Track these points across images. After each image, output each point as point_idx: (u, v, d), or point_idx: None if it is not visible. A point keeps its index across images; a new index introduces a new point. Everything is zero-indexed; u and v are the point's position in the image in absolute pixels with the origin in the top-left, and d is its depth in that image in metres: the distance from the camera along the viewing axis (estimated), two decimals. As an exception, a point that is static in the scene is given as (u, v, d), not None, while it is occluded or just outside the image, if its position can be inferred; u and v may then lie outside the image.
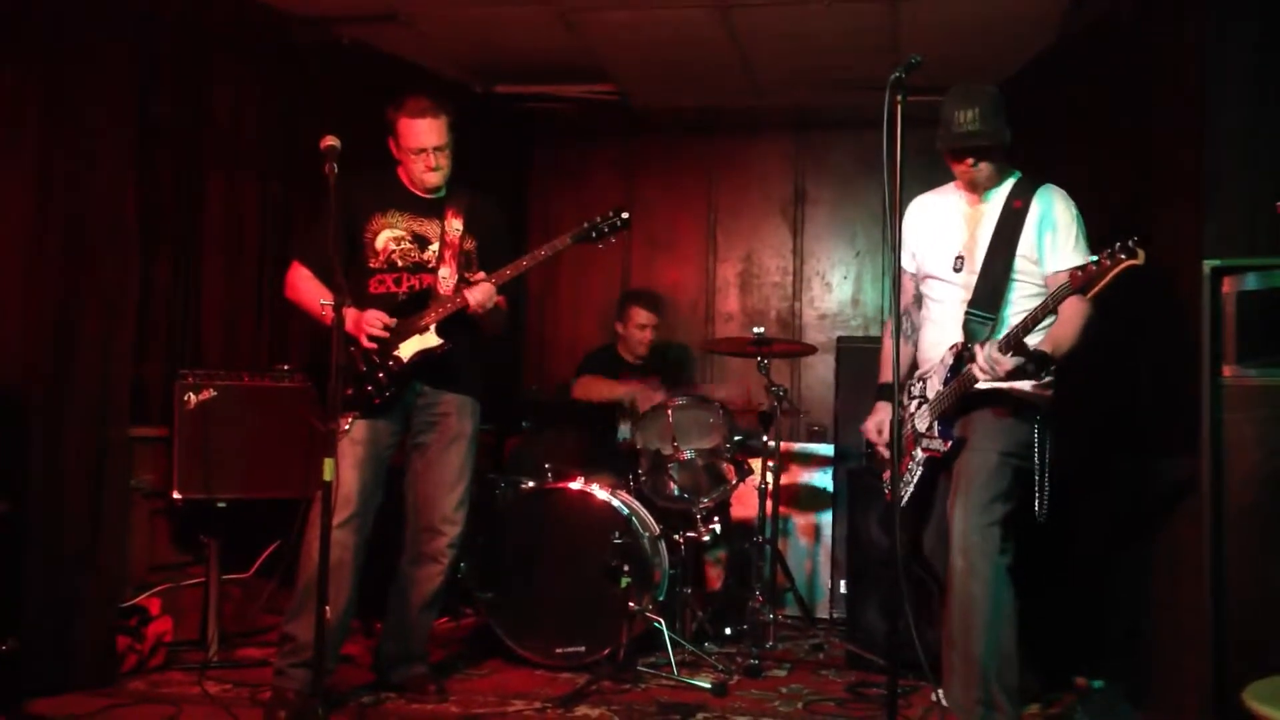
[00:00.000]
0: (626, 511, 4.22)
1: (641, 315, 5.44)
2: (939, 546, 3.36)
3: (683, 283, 6.34)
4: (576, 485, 4.28)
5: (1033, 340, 3.04)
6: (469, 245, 3.73)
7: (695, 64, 5.48)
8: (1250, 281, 2.97)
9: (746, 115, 6.23)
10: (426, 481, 3.74)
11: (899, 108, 2.78)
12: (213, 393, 4.17)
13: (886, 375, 3.53)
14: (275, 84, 4.83)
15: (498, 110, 6.08)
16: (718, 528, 4.58)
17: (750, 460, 4.68)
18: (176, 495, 4.12)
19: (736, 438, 4.62)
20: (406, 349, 3.59)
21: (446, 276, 3.65)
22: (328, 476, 3.02)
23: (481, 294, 3.57)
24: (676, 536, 4.46)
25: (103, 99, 3.80)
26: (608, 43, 5.23)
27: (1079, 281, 2.81)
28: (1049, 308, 2.96)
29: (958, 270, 3.33)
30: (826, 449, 5.43)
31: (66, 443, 3.67)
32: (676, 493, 4.55)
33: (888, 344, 3.56)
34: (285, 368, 4.43)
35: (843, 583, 4.94)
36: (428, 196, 3.73)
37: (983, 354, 3.05)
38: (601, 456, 4.90)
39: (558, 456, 4.65)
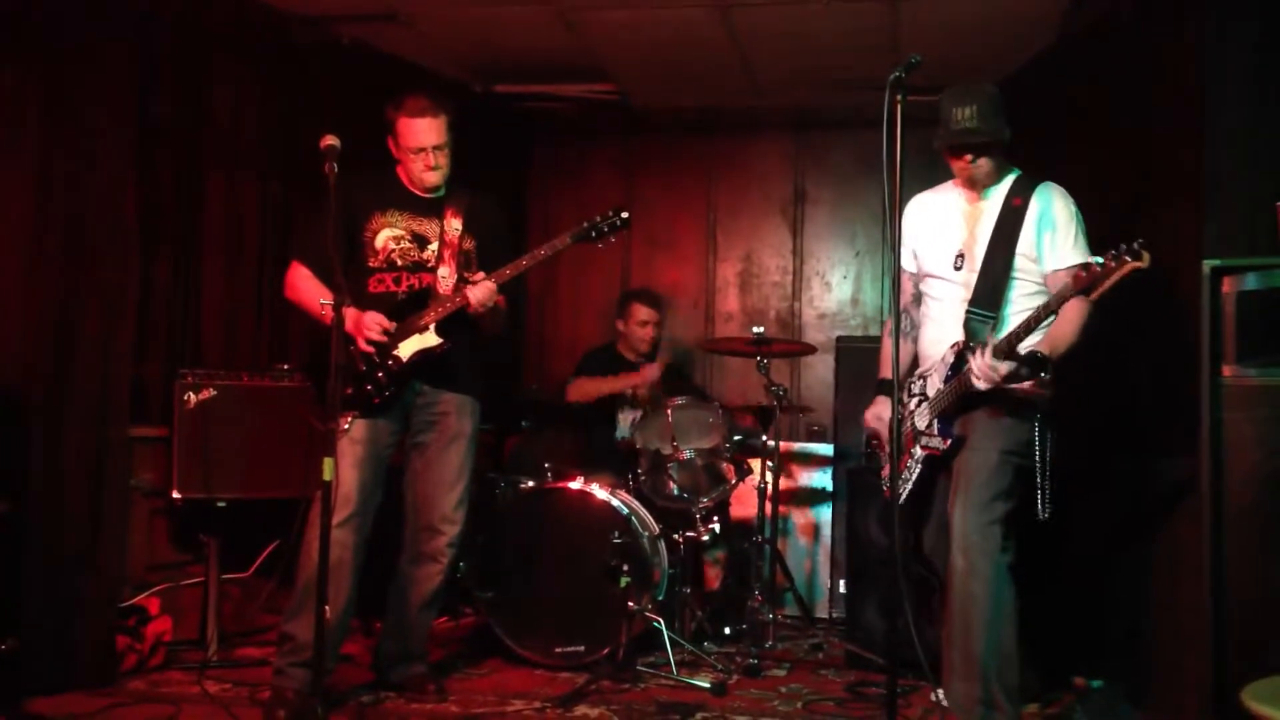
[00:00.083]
0: (626, 511, 4.22)
1: (643, 312, 5.44)
2: (939, 545, 3.36)
3: (682, 282, 6.34)
4: (576, 485, 4.29)
5: (1032, 339, 3.04)
6: (468, 245, 3.73)
7: (695, 64, 5.48)
8: (1250, 281, 2.98)
9: (746, 115, 6.23)
10: (426, 481, 3.74)
11: (899, 107, 2.78)
12: (212, 392, 4.17)
13: (886, 372, 3.54)
14: (275, 84, 4.83)
15: (497, 110, 6.08)
16: (717, 527, 4.58)
17: (749, 460, 4.68)
18: (176, 495, 4.12)
19: (736, 437, 4.62)
20: (406, 348, 3.59)
21: (446, 276, 3.65)
22: (327, 476, 3.02)
23: (481, 293, 3.57)
24: (676, 536, 4.46)
25: (103, 99, 3.80)
26: (607, 42, 5.23)
27: (1082, 283, 2.81)
28: (1051, 309, 2.96)
29: (958, 268, 3.33)
30: (826, 449, 5.44)
31: (66, 442, 3.67)
32: (676, 492, 4.55)
33: (887, 342, 3.56)
34: (285, 367, 4.43)
35: (842, 582, 4.94)
36: (427, 196, 3.73)
37: (977, 362, 3.05)
38: (601, 456, 4.91)
39: (557, 456, 4.65)
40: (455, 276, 3.66)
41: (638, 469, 4.59)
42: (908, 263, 3.51)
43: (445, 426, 3.73)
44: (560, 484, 4.32)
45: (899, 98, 2.79)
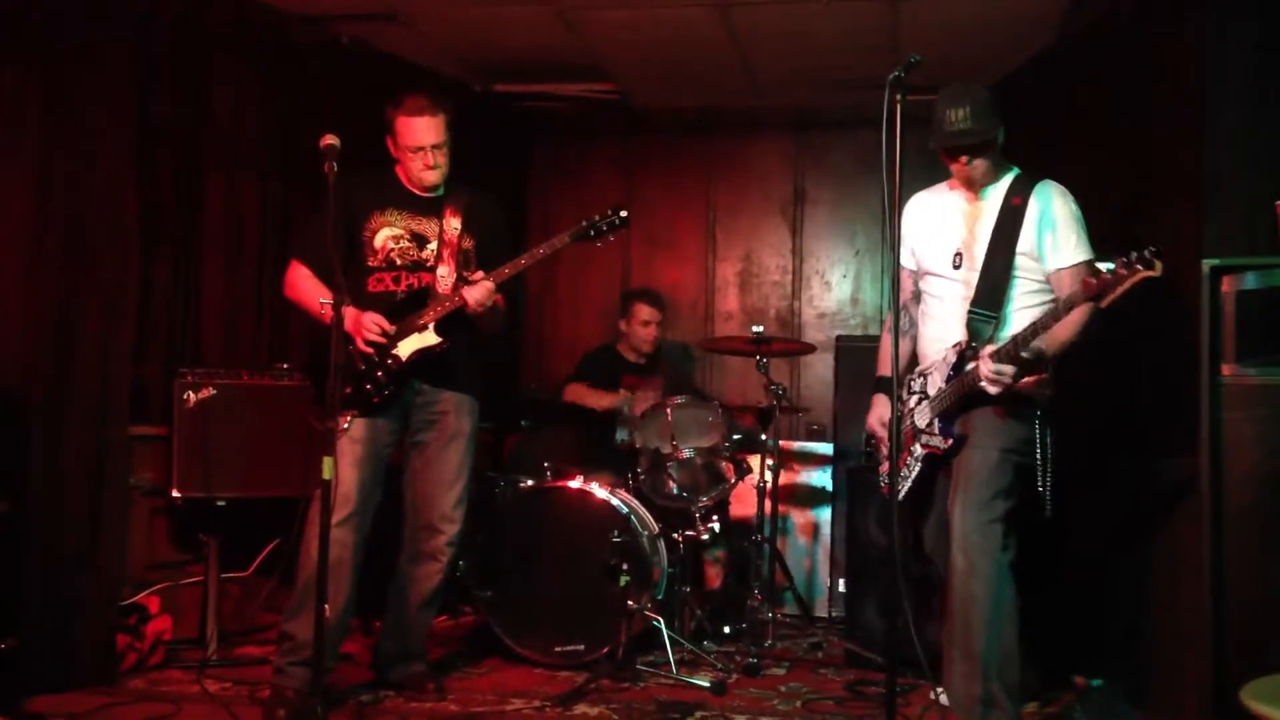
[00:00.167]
0: (625, 510, 4.23)
1: (645, 311, 5.45)
2: (939, 543, 3.36)
3: (682, 282, 6.34)
4: (575, 484, 4.29)
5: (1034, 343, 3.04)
6: (467, 244, 3.73)
7: (695, 63, 5.48)
8: (1249, 281, 2.98)
9: (746, 115, 6.23)
10: (425, 480, 3.74)
11: (898, 107, 2.78)
12: (212, 391, 4.17)
13: (885, 370, 3.54)
14: (275, 84, 4.83)
15: (497, 109, 6.08)
16: (716, 526, 4.58)
17: (749, 459, 4.68)
18: (176, 494, 4.12)
19: (735, 436, 4.62)
20: (405, 347, 3.59)
21: (445, 275, 3.65)
22: (327, 475, 3.02)
23: (480, 293, 3.57)
24: (675, 535, 4.46)
25: (103, 99, 3.80)
26: (607, 42, 5.23)
27: (1093, 290, 2.80)
28: (1059, 315, 2.96)
29: (957, 267, 3.33)
30: (825, 448, 5.44)
31: (66, 442, 3.67)
32: (675, 491, 4.56)
33: (886, 340, 3.56)
34: (284, 366, 4.44)
35: (841, 581, 4.94)
36: (426, 195, 3.73)
37: (985, 369, 3.05)
38: (600, 455, 4.90)
39: (557, 455, 4.65)
40: (454, 276, 3.66)
41: (637, 468, 4.60)
42: (907, 260, 3.51)
43: (444, 425, 3.73)
44: (560, 483, 4.33)
45: (898, 97, 2.79)
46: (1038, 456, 3.19)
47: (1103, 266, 2.79)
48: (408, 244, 3.68)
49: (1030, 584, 3.22)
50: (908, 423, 3.39)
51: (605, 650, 4.01)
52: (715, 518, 4.61)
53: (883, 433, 3.50)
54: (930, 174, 3.45)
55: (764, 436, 4.72)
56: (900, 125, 2.78)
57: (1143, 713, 3.51)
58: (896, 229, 3.11)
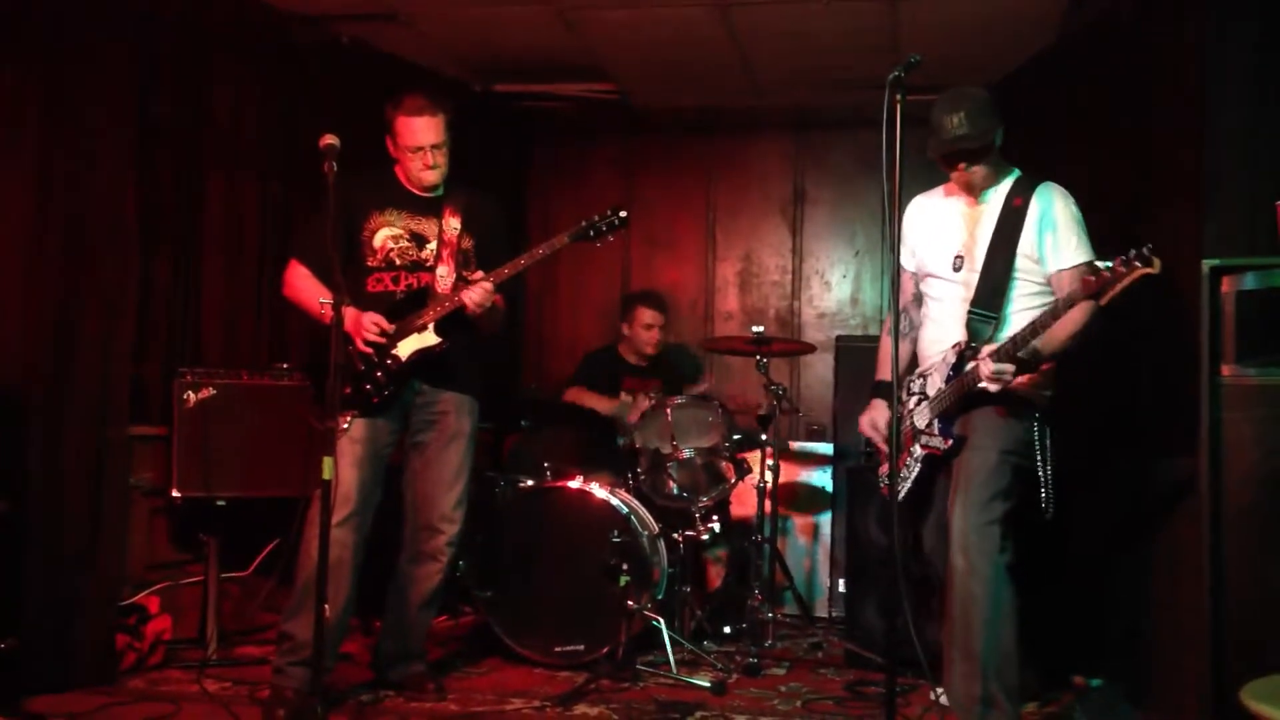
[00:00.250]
0: (625, 510, 4.23)
1: (648, 315, 5.45)
2: (939, 544, 3.36)
3: (682, 282, 6.34)
4: (575, 484, 4.29)
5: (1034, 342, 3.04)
6: (467, 244, 3.73)
7: (695, 63, 5.48)
8: (1249, 281, 2.97)
9: (746, 115, 6.23)
10: (425, 480, 3.74)
11: (898, 107, 2.79)
12: (212, 391, 4.17)
13: (883, 373, 3.54)
14: (275, 84, 4.83)
15: (497, 109, 6.08)
16: (717, 526, 4.58)
17: (749, 458, 4.68)
18: (176, 493, 4.12)
19: (735, 436, 4.62)
20: (405, 348, 3.59)
21: (444, 275, 3.65)
22: (327, 475, 3.02)
23: (479, 294, 3.57)
24: (675, 535, 4.46)
25: (103, 99, 3.80)
26: (607, 42, 5.23)
27: (1092, 288, 2.81)
28: (1059, 314, 2.96)
29: (957, 269, 3.33)
30: (826, 448, 5.44)
31: (66, 442, 3.67)
32: (675, 491, 4.56)
33: (886, 342, 3.56)
34: (284, 366, 4.44)
35: (841, 581, 4.94)
36: (426, 195, 3.73)
37: (986, 370, 3.05)
38: (600, 455, 4.90)
39: (556, 455, 4.65)
40: (454, 275, 3.66)
41: (637, 468, 4.60)
42: (907, 262, 3.51)
43: (444, 426, 3.73)
44: (559, 483, 4.33)
45: (898, 97, 2.79)
46: (1037, 458, 3.19)
47: (1101, 265, 2.80)
48: (407, 244, 3.68)
49: (1030, 584, 3.22)
50: (907, 424, 3.39)
51: (605, 650, 4.01)
52: (715, 518, 4.61)
53: (872, 434, 3.50)
54: (930, 174, 3.45)
55: (764, 436, 4.72)
56: (900, 125, 2.78)
57: (1142, 713, 3.51)
58: (896, 230, 3.11)
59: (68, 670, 3.63)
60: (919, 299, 3.52)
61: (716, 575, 5.19)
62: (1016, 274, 3.25)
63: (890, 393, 3.01)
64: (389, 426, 3.67)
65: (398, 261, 3.66)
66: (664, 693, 3.83)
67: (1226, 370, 2.99)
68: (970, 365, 3.16)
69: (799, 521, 5.46)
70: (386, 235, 3.67)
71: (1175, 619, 3.38)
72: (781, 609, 5.02)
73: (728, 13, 4.76)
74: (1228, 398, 2.98)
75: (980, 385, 3.10)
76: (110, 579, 3.82)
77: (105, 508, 3.77)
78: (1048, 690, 3.79)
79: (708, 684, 3.89)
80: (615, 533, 4.05)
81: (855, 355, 4.92)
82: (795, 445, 5.58)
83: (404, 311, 3.60)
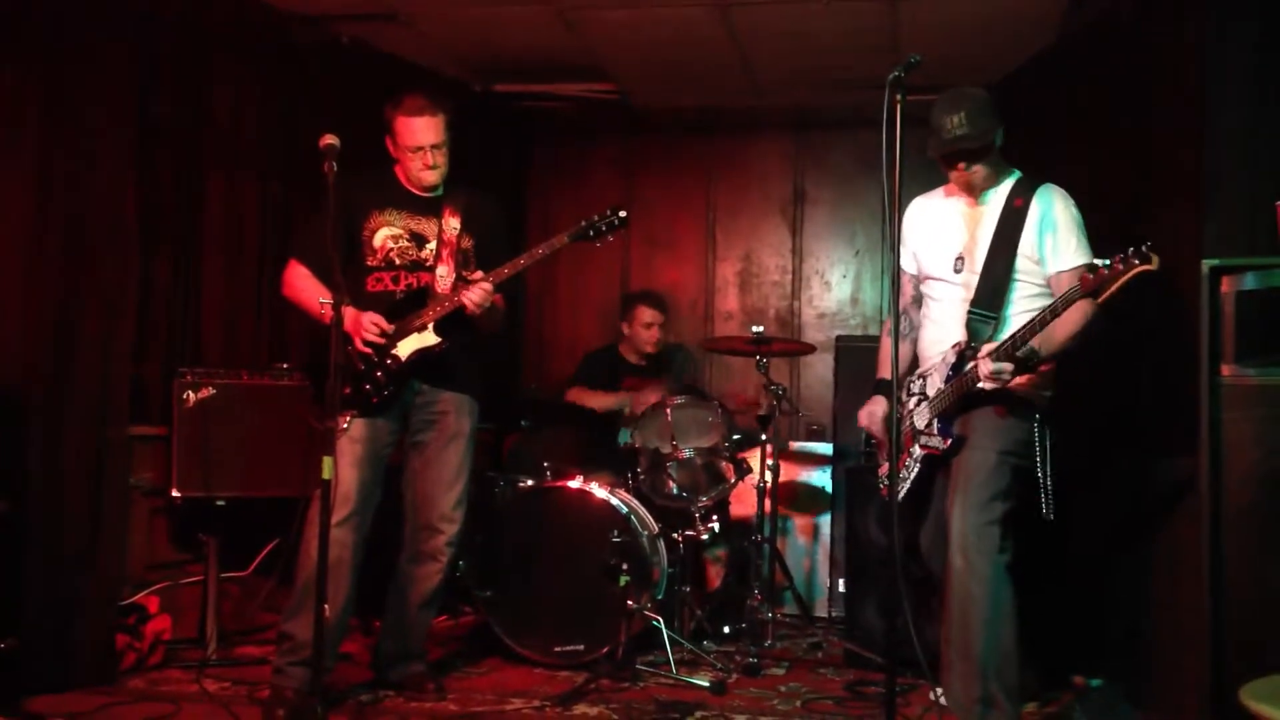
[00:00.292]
0: (625, 510, 4.23)
1: (648, 314, 5.45)
2: (936, 545, 3.36)
3: (682, 282, 6.34)
4: (575, 484, 4.29)
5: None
6: (466, 244, 3.73)
7: (695, 63, 5.48)
8: (1249, 281, 2.97)
9: (746, 115, 6.24)
10: (425, 480, 3.74)
11: (898, 107, 2.78)
12: (212, 391, 4.18)
13: (884, 372, 3.54)
14: (275, 84, 4.83)
15: (497, 109, 6.08)
16: (716, 526, 4.58)
17: (749, 458, 4.68)
18: (175, 493, 4.13)
19: (735, 436, 4.62)
20: (405, 347, 3.59)
21: (444, 275, 3.65)
22: (326, 475, 3.02)
23: (478, 294, 3.57)
24: (675, 535, 4.46)
25: (103, 99, 3.80)
26: (607, 42, 5.23)
27: (1090, 285, 2.81)
28: (1057, 311, 2.96)
29: (958, 271, 3.33)
30: (825, 448, 5.44)
31: (66, 442, 3.67)
32: (675, 491, 4.56)
33: (886, 343, 3.56)
34: (284, 366, 4.44)
35: (841, 581, 4.94)
36: (425, 195, 3.73)
37: (985, 369, 3.05)
38: (600, 455, 4.90)
39: (556, 455, 4.65)
40: (454, 275, 3.66)
41: (637, 468, 4.60)
42: (908, 264, 3.51)
43: (444, 425, 3.73)
44: (559, 483, 4.33)
45: (898, 97, 2.79)
46: (1036, 459, 3.19)
47: (1100, 263, 2.80)
48: (407, 244, 3.68)
49: (1030, 584, 3.22)
50: (907, 424, 3.39)
51: (605, 650, 4.01)
52: (715, 518, 4.61)
53: (870, 424, 3.50)
54: (930, 174, 3.45)
55: (764, 436, 4.72)
56: (900, 125, 2.78)
57: (1142, 713, 3.51)
58: (896, 230, 3.11)
59: (68, 670, 3.63)
60: (919, 300, 3.52)
61: (716, 575, 5.19)
62: (1017, 275, 3.25)
63: (891, 391, 3.01)
64: (389, 426, 3.67)
65: (397, 261, 3.66)
66: (664, 692, 3.83)
67: (1226, 370, 2.99)
68: (970, 365, 3.16)
69: (799, 521, 5.46)
70: (386, 235, 3.67)
71: (1175, 619, 3.38)
72: (781, 609, 5.02)
73: (728, 13, 4.77)
74: (1228, 397, 2.98)
75: (979, 385, 3.10)
76: (110, 579, 3.82)
77: (105, 508, 3.77)
78: (1048, 690, 3.79)
79: (707, 684, 3.89)
80: (615, 533, 4.06)
81: (855, 355, 4.93)
82: (795, 445, 5.58)
83: (404, 311, 3.60)
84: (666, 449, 4.57)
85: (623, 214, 3.70)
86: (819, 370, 5.98)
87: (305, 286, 3.60)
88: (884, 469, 3.50)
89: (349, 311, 3.45)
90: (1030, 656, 3.34)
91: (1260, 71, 3.32)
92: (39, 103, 3.65)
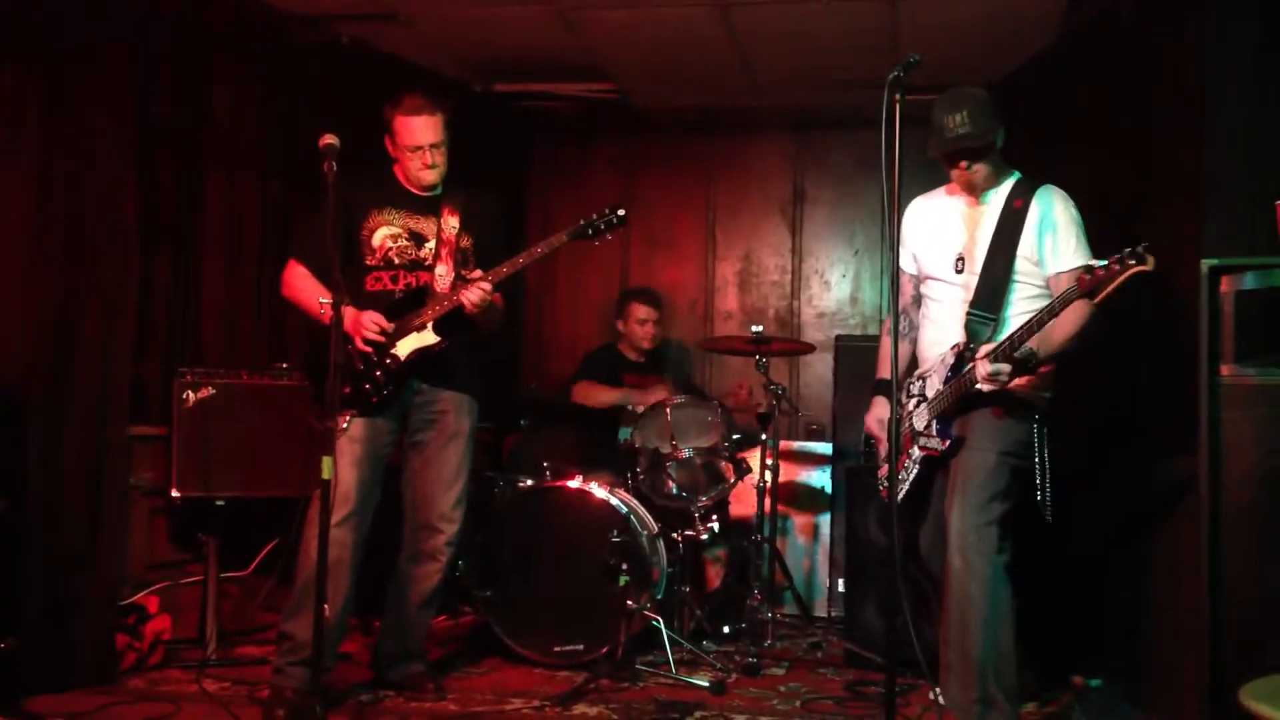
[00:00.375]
0: (625, 510, 4.23)
1: (641, 310, 5.45)
2: (935, 546, 3.36)
3: (682, 282, 6.34)
4: (575, 484, 4.29)
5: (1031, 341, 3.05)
6: (465, 243, 3.73)
7: (695, 63, 5.48)
8: (1248, 281, 2.97)
9: (746, 115, 6.23)
10: (424, 479, 3.74)
11: (897, 107, 2.78)
12: (211, 391, 4.18)
13: (884, 372, 3.54)
14: (275, 84, 4.83)
15: (497, 109, 6.08)
16: (716, 526, 4.58)
17: (749, 458, 4.68)
18: (175, 493, 4.13)
19: (735, 436, 4.62)
20: (404, 347, 3.59)
21: (443, 274, 3.65)
22: (326, 475, 3.02)
23: (477, 294, 3.57)
24: (675, 535, 4.46)
25: (103, 99, 3.80)
26: (607, 42, 5.23)
27: (1086, 286, 2.81)
28: (1054, 312, 2.97)
29: (959, 271, 3.33)
30: (825, 448, 5.44)
31: (66, 442, 3.67)
32: (675, 491, 4.56)
33: (886, 343, 3.56)
34: (284, 366, 4.44)
35: (841, 581, 4.94)
36: (424, 194, 3.73)
37: (983, 370, 3.05)
38: (600, 455, 4.90)
39: (556, 455, 4.65)
40: (453, 274, 3.66)
41: (636, 468, 4.59)
42: (907, 265, 3.51)
43: (443, 425, 3.73)
44: (559, 483, 4.33)
45: (898, 97, 2.79)
46: (1035, 460, 3.19)
47: (1096, 263, 2.81)
48: (406, 243, 3.68)
49: (1029, 584, 3.22)
50: (906, 425, 3.39)
51: (605, 650, 4.01)
52: (714, 517, 4.61)
53: (880, 432, 3.50)
54: (929, 174, 3.45)
55: (763, 436, 4.72)
56: (900, 125, 2.78)
57: (1141, 713, 3.51)
58: (896, 230, 3.11)
59: (67, 670, 3.63)
60: (918, 300, 3.52)
61: (716, 575, 5.19)
62: (1016, 276, 3.25)
63: (891, 391, 3.01)
64: (388, 426, 3.67)
65: (396, 261, 3.66)
66: (663, 692, 3.83)
67: (1226, 370, 2.99)
68: (968, 366, 3.16)
69: (798, 521, 5.46)
70: (385, 234, 3.67)
71: (1175, 619, 3.38)
72: (781, 609, 5.02)
73: (728, 13, 4.76)
74: (1227, 397, 2.98)
75: (977, 386, 3.10)
76: (110, 579, 3.82)
77: (105, 508, 3.77)
78: (1047, 690, 3.79)
79: (707, 684, 3.89)
80: (614, 532, 4.06)
81: (855, 355, 4.93)
82: (795, 445, 5.58)
83: (403, 311, 3.60)
84: (666, 449, 4.57)
85: (621, 212, 3.71)
86: (818, 370, 5.98)
87: (304, 286, 3.60)
88: (883, 470, 3.50)
89: (348, 311, 3.45)
90: (1029, 657, 3.34)
91: (1260, 71, 3.32)
92: (39, 103, 3.65)
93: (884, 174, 2.80)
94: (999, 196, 3.32)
